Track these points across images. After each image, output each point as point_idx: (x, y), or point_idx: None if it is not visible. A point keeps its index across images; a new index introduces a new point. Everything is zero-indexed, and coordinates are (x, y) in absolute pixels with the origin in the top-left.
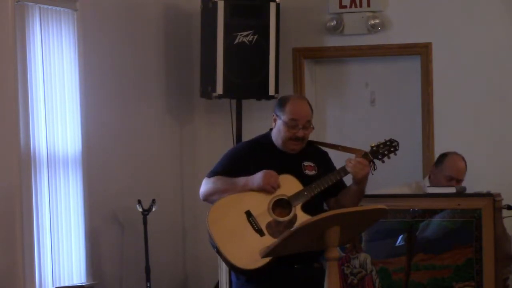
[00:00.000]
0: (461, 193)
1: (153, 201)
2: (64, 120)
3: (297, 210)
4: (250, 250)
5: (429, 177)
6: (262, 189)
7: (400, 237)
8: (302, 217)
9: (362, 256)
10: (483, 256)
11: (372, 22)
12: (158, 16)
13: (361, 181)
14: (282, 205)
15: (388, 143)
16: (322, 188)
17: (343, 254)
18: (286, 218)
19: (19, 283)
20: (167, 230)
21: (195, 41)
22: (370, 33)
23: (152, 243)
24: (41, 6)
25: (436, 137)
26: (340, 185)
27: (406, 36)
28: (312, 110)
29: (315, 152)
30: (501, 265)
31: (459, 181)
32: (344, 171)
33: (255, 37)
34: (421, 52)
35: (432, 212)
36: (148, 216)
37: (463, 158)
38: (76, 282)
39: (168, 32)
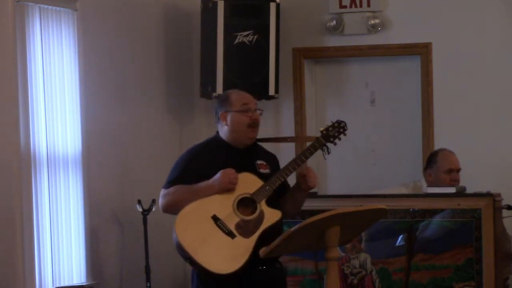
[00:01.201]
0: (461, 193)
1: (153, 201)
2: (64, 120)
3: (263, 205)
4: (224, 254)
5: (426, 180)
6: (224, 189)
7: (400, 237)
8: (269, 212)
9: (362, 256)
10: (483, 256)
11: (372, 22)
12: (158, 16)
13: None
14: (246, 204)
15: (336, 124)
16: (282, 179)
17: (343, 254)
18: (253, 216)
19: (19, 283)
20: (167, 230)
21: (195, 41)
22: (370, 33)
23: (152, 243)
24: (41, 6)
25: (436, 137)
26: (286, 184)
27: (406, 36)
28: None
29: (265, 152)
30: (501, 265)
31: (458, 170)
32: (301, 160)
33: (255, 37)
34: (421, 52)
35: (432, 212)
36: (148, 216)
37: (451, 150)
38: (76, 282)
39: (168, 32)
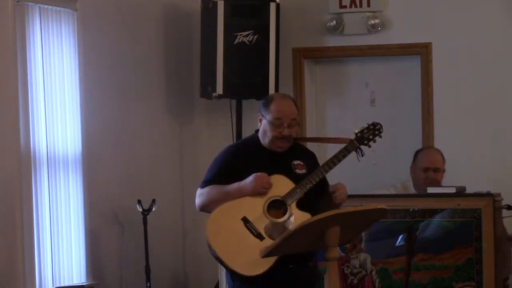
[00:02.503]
0: (461, 193)
1: (153, 201)
2: (64, 120)
3: (293, 208)
4: (252, 256)
5: (411, 176)
6: (256, 193)
7: (400, 237)
8: (299, 215)
9: (362, 256)
10: (483, 256)
11: (372, 22)
12: (158, 16)
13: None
14: (276, 206)
15: (371, 127)
16: (314, 182)
17: (343, 254)
18: (283, 219)
19: (19, 283)
20: (167, 230)
21: (195, 41)
22: (370, 33)
23: (152, 243)
24: (41, 6)
25: (436, 137)
26: (325, 182)
27: (406, 36)
28: (297, 107)
29: (303, 151)
30: (501, 264)
31: (436, 170)
32: (333, 162)
33: (255, 37)
34: (421, 52)
35: (432, 212)
36: (148, 216)
37: (437, 150)
38: (76, 282)
39: (168, 32)
